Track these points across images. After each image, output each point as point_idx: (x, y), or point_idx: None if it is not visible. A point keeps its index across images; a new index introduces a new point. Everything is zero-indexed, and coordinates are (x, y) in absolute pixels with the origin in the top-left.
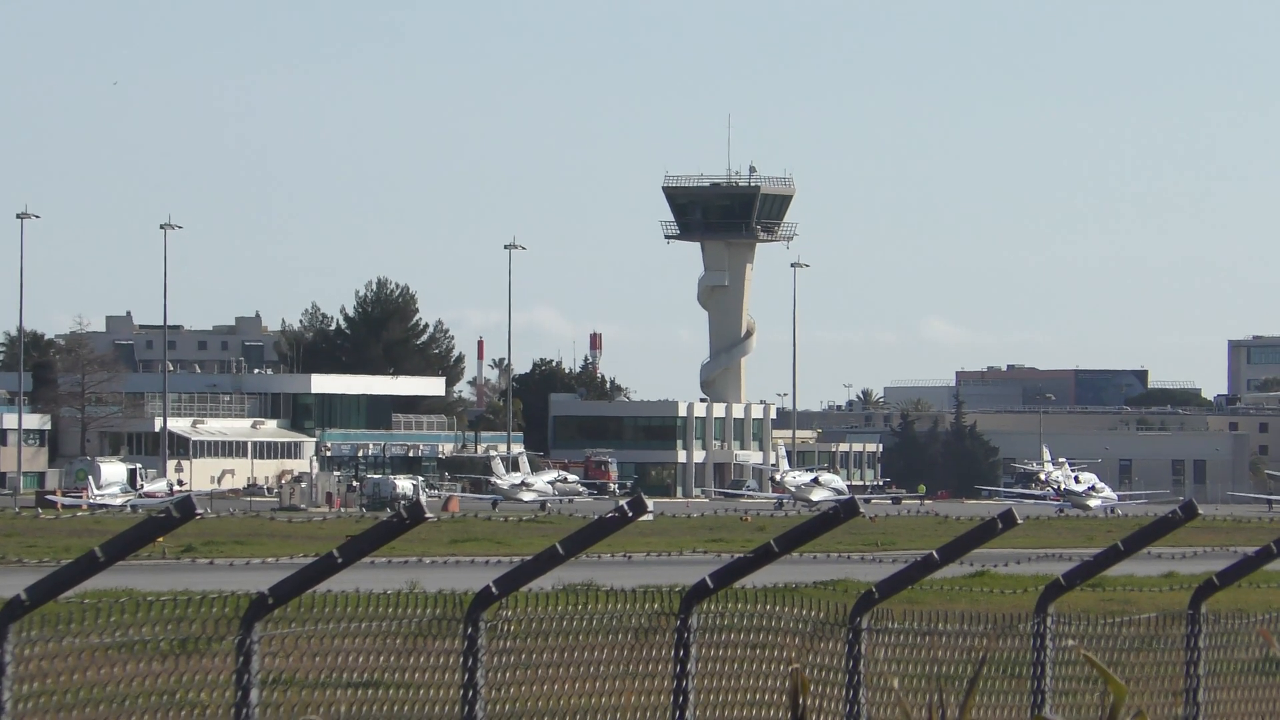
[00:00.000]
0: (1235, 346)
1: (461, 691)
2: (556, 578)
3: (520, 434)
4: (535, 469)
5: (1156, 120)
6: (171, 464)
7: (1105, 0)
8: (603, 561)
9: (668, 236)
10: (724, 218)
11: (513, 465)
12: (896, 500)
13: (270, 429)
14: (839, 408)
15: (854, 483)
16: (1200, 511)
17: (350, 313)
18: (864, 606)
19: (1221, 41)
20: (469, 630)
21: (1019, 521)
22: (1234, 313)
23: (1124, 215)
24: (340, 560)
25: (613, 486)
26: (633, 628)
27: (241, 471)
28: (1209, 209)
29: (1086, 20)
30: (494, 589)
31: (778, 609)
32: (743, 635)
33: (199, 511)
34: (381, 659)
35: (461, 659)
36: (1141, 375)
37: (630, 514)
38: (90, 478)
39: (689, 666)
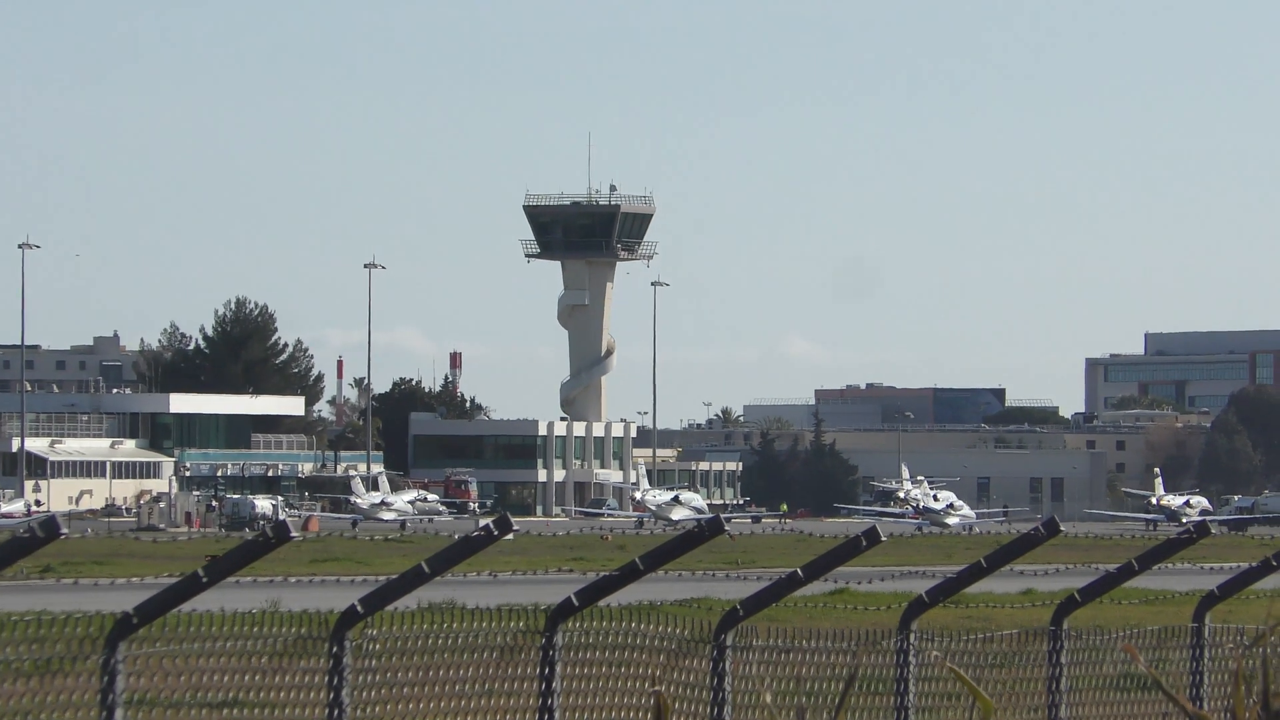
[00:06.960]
0: (1092, 365)
1: (327, 711)
2: (419, 597)
3: (380, 453)
4: (395, 488)
5: (1013, 139)
6: (29, 484)
7: (955, 12)
8: (466, 581)
9: (528, 255)
10: (584, 236)
11: (372, 485)
12: (757, 519)
13: (129, 449)
14: (699, 426)
15: (714, 501)
16: (1062, 529)
17: (209, 332)
18: (728, 624)
19: (1072, 61)
20: (334, 649)
21: (883, 539)
22: (1091, 332)
23: (981, 234)
24: (205, 579)
25: (473, 506)
26: (497, 646)
27: (100, 492)
28: (1066, 228)
29: (938, 36)
30: (360, 608)
31: (642, 626)
32: (607, 653)
33: (63, 531)
34: (246, 678)
35: (327, 678)
36: (999, 394)
37: (496, 533)
38: None
39: (554, 684)
